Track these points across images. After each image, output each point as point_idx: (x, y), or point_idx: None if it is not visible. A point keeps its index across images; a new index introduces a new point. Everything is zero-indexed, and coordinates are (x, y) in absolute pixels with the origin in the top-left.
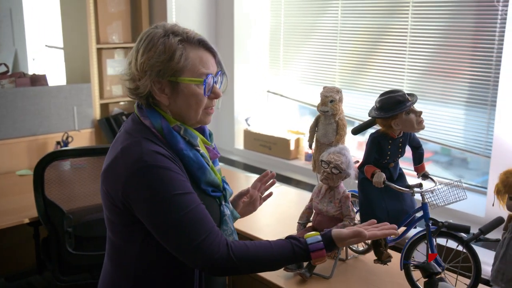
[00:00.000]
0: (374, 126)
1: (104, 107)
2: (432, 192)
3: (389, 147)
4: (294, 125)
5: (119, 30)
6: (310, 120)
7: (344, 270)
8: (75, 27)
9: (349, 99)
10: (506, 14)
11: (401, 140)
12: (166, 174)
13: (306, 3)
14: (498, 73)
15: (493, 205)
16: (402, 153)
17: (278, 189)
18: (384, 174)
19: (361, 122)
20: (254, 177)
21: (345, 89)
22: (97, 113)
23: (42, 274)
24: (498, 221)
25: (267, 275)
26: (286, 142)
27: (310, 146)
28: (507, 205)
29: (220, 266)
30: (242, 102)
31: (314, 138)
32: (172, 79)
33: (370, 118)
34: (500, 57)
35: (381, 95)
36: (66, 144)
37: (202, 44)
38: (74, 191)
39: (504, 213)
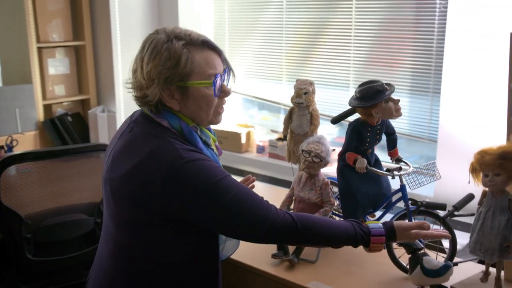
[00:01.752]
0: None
1: (47, 108)
2: (409, 175)
3: (368, 134)
4: (241, 119)
5: (60, 28)
6: (257, 113)
7: (327, 254)
8: (12, 26)
9: None
10: (445, 7)
11: (378, 127)
12: (205, 164)
13: None
14: (439, 62)
15: (468, 182)
16: (379, 139)
17: None
18: (365, 160)
19: None
20: None
21: (293, 82)
22: (40, 115)
23: None
24: (469, 197)
25: (255, 264)
26: (237, 135)
27: (285, 137)
28: (482, 182)
29: (284, 231)
30: None
31: (289, 130)
32: (181, 84)
33: (349, 107)
34: (440, 47)
35: (361, 85)
36: (10, 148)
37: (206, 44)
38: (28, 196)
39: (473, 190)
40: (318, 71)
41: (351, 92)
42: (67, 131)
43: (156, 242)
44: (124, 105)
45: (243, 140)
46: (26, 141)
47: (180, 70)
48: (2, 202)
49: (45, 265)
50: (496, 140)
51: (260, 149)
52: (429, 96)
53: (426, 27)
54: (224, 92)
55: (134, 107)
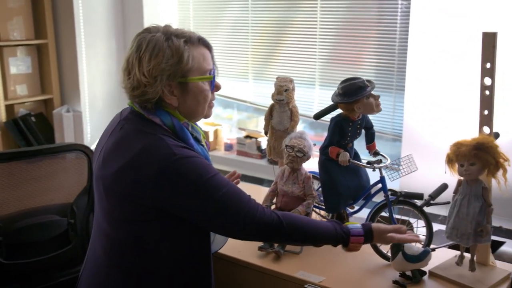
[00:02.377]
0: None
1: (9, 108)
2: (388, 167)
3: (350, 129)
4: None
5: (21, 26)
6: (221, 111)
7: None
8: None
9: (262, 90)
10: (408, 8)
11: (359, 122)
12: (197, 161)
13: None
14: (402, 60)
15: (445, 172)
16: (359, 134)
17: None
18: (348, 153)
19: None
20: None
21: (259, 80)
22: (2, 115)
23: None
24: (443, 187)
25: (242, 257)
26: (204, 134)
27: (266, 133)
28: (458, 171)
29: (270, 230)
30: None
31: (270, 126)
32: (182, 80)
33: (332, 103)
34: (402, 46)
35: (343, 82)
36: None
37: (201, 41)
38: None
39: (437, 182)
40: (285, 69)
41: (317, 89)
42: (31, 132)
43: (149, 237)
44: (89, 104)
45: (211, 138)
46: None
47: (183, 66)
48: None
49: (17, 268)
50: (460, 134)
51: (228, 147)
52: (393, 93)
53: (388, 27)
54: (216, 87)
55: (100, 106)
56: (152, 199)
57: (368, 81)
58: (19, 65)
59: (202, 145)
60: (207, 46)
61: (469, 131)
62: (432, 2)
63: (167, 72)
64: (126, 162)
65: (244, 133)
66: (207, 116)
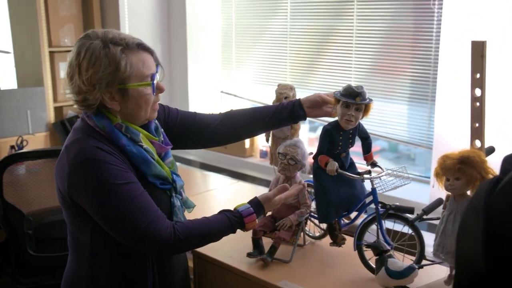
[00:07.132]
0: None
1: (58, 110)
2: (380, 178)
3: (340, 138)
4: None
5: (71, 33)
6: None
7: (302, 255)
8: (25, 31)
9: (301, 97)
10: (441, 16)
11: (351, 131)
12: (104, 166)
13: (256, 5)
14: (437, 71)
15: (433, 186)
16: (352, 143)
17: (235, 185)
18: (336, 163)
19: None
20: (211, 175)
21: (296, 88)
22: (51, 117)
23: None
24: (438, 202)
25: (231, 262)
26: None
27: (267, 141)
28: (444, 186)
29: (169, 248)
30: (197, 103)
31: (271, 133)
32: (121, 87)
33: None
34: (438, 55)
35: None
36: (20, 148)
37: (140, 47)
38: (32, 193)
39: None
40: (321, 78)
41: None
42: None
43: (85, 231)
44: None
45: (247, 145)
46: (36, 142)
47: (120, 74)
48: (5, 199)
49: (45, 260)
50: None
51: (264, 154)
52: (428, 104)
53: (424, 36)
54: (159, 89)
55: None
56: (68, 195)
57: (362, 94)
58: None
59: (141, 145)
60: (148, 50)
61: (498, 143)
62: (464, 10)
63: (105, 80)
64: (57, 162)
65: None
66: (150, 118)
